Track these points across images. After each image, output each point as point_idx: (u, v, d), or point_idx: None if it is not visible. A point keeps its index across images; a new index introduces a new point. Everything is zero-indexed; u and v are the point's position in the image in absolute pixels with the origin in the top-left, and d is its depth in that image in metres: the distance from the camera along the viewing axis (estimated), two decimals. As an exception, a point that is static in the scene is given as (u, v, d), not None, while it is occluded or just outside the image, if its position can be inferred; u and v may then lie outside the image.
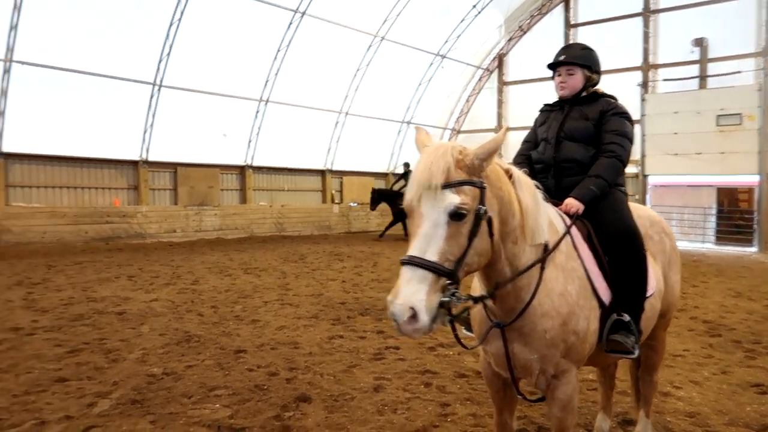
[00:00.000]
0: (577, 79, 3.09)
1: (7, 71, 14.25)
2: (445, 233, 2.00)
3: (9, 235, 14.18)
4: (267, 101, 19.44)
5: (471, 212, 2.04)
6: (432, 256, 1.97)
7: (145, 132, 17.12)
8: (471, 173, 2.07)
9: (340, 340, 5.69)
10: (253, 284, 9.08)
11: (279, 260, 12.40)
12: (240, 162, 19.75)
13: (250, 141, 19.66)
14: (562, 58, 3.10)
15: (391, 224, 18.95)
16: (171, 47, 16.50)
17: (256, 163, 20.05)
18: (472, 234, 2.05)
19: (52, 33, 14.60)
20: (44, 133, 15.33)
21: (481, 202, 2.07)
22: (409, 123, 24.71)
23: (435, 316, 1.96)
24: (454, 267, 2.01)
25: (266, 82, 19.13)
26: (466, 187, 2.04)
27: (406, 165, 19.35)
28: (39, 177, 15.54)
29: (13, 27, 13.92)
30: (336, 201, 22.60)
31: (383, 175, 24.83)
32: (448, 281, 1.99)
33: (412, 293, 1.92)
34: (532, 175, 3.18)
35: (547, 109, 3.27)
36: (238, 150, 19.56)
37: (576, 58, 3.09)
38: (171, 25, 16.20)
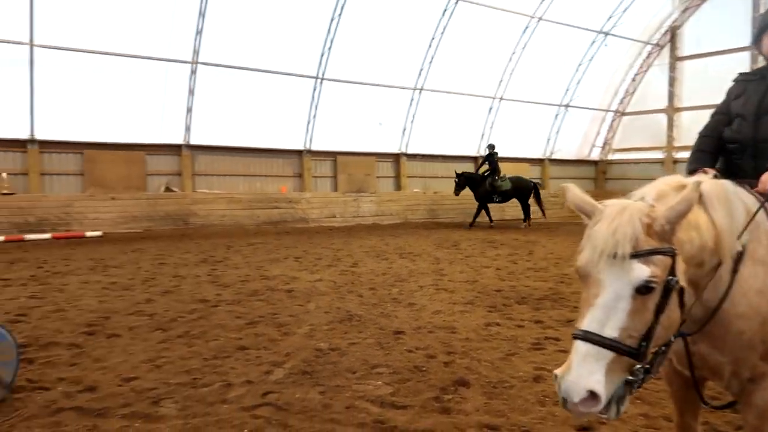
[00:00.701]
0: None
1: (193, 72, 16.01)
2: (628, 307, 1.76)
3: (195, 218, 16.00)
4: (421, 89, 19.70)
5: (660, 284, 1.77)
6: (612, 332, 1.74)
7: (308, 123, 18.27)
8: (661, 239, 1.80)
9: (496, 327, 5.61)
10: (408, 269, 9.29)
11: (433, 246, 12.55)
12: (395, 150, 20.29)
13: (404, 129, 20.08)
14: None
15: (478, 211, 17.71)
16: (332, 42, 17.37)
17: (410, 151, 20.46)
18: (660, 308, 1.79)
19: (229, 35, 16.13)
20: (223, 126, 17.04)
21: (672, 272, 1.79)
22: (567, 106, 23.56)
23: (620, 399, 1.76)
24: (637, 345, 1.77)
25: (420, 70, 19.38)
26: (656, 257, 1.77)
27: (491, 147, 17.93)
28: (219, 166, 17.31)
29: (199, 32, 15.57)
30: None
31: (539, 161, 23.99)
32: (632, 362, 1.76)
33: (589, 373, 1.70)
34: (724, 155, 2.85)
35: (744, 79, 2.85)
36: (393, 138, 20.11)
37: None
38: (332, 20, 17.04)
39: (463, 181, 17.62)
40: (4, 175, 14.35)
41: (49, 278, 8.18)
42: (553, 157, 24.29)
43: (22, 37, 13.86)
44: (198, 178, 16.96)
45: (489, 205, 17.91)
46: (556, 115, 23.56)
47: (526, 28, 20.35)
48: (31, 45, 13.97)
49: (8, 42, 13.82)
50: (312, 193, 18.35)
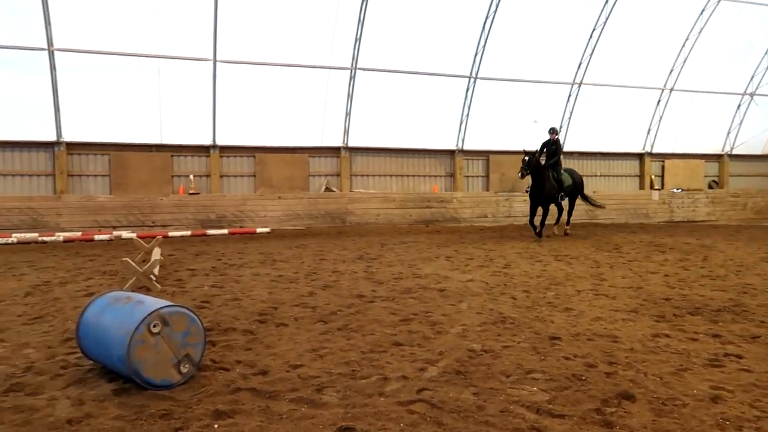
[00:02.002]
0: None
1: (352, 78, 16.80)
2: None
3: (352, 217, 16.79)
4: (580, 84, 18.76)
5: None
6: None
7: (461, 123, 18.28)
8: None
9: (665, 339, 5.16)
10: (564, 272, 8.90)
11: (591, 249, 11.90)
12: (550, 148, 19.54)
13: (560, 126, 19.28)
14: None
15: (545, 214, 14.15)
16: (486, 40, 17.19)
17: (567, 148, 19.56)
18: None
19: (385, 40, 16.67)
20: (378, 128, 17.68)
21: None
22: (752, 95, 20.96)
23: None
24: None
25: (579, 64, 18.47)
26: None
27: (554, 131, 14.17)
28: (374, 167, 17.98)
29: (357, 39, 16.30)
30: (656, 187, 20.58)
31: (716, 157, 21.63)
32: None
33: None
34: None
35: None
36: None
37: None
38: (486, 18, 16.86)
39: (533, 162, 13.76)
40: (192, 176, 16.26)
41: (227, 270, 9.10)
42: (735, 152, 21.73)
43: (207, 54, 15.57)
44: (355, 179, 17.78)
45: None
46: (739, 105, 21.04)
47: (703, 9, 18.43)
48: (215, 61, 15.64)
49: (196, 59, 15.62)
50: (463, 193, 18.33)
